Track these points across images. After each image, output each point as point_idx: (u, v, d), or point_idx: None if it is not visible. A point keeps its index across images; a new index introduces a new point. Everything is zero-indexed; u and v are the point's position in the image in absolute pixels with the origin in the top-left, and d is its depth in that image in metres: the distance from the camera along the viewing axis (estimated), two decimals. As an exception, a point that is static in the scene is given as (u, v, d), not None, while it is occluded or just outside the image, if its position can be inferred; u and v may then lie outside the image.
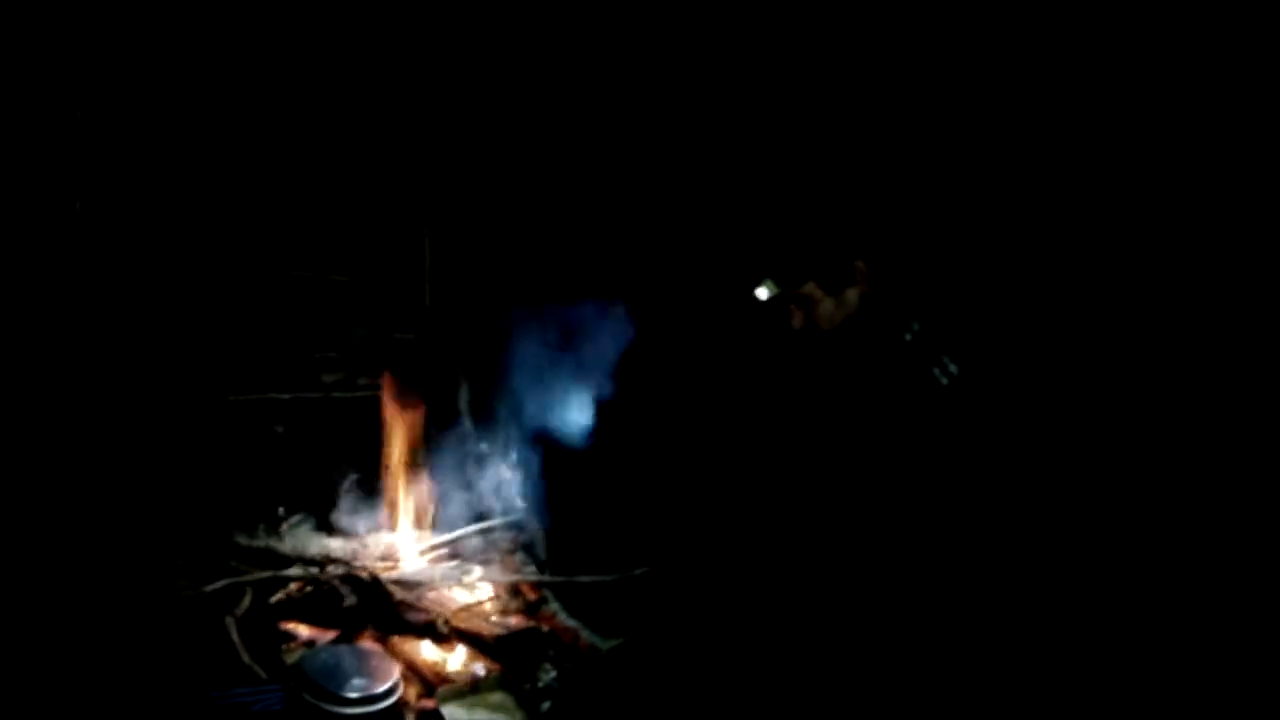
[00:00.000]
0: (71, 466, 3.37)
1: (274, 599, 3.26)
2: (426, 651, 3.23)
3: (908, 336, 2.65)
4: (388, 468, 3.75)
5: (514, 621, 3.34)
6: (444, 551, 3.65)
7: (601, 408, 3.75)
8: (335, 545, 3.56)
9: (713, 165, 3.88)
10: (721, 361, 3.69)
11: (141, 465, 3.53)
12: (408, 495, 3.74)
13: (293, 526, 3.63)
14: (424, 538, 3.67)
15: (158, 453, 3.59)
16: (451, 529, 3.71)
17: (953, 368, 2.61)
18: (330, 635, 3.20)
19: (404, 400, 3.76)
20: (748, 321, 2.99)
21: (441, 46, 4.00)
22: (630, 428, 3.76)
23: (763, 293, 2.75)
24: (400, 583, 3.42)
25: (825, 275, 2.69)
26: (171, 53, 3.66)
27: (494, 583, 3.52)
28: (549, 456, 3.78)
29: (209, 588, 3.19)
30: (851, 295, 2.69)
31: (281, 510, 3.65)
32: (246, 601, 3.19)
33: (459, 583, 3.50)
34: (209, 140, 3.77)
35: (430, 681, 3.08)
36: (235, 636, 3.03)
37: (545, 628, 3.31)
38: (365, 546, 3.57)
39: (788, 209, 3.34)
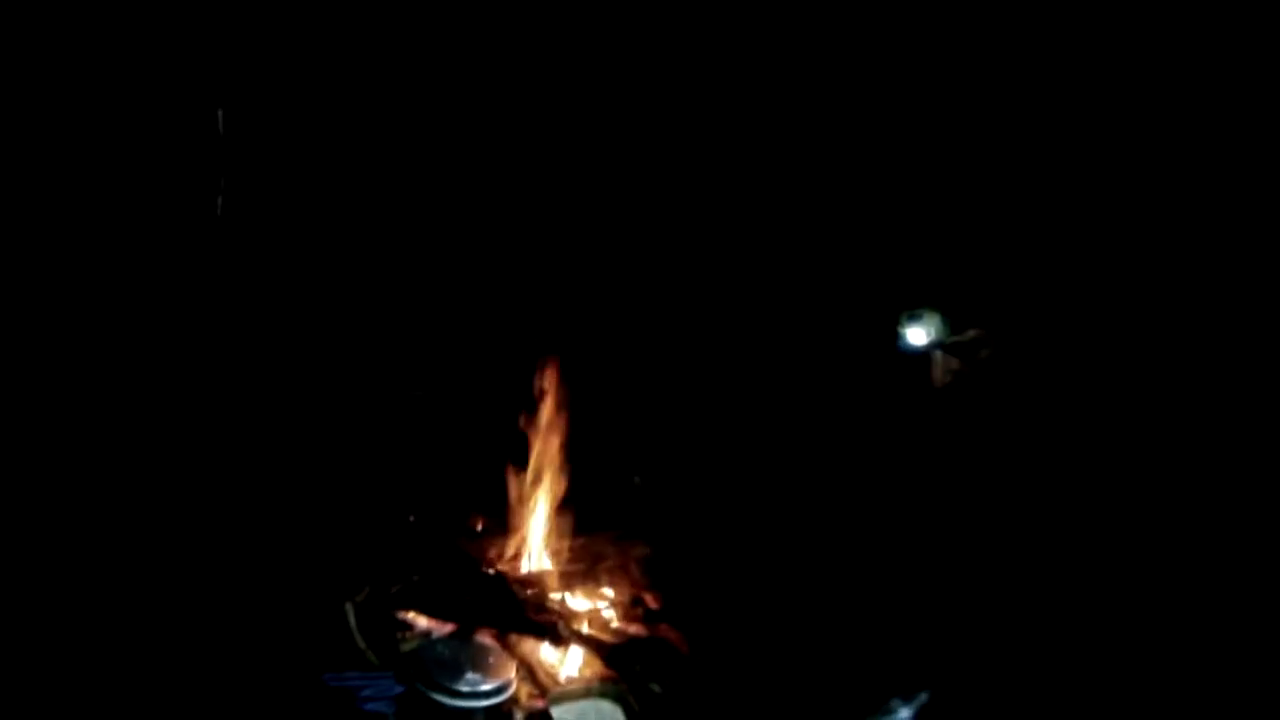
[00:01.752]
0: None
1: (395, 588, 3.25)
2: (544, 652, 3.18)
3: None
4: (525, 467, 3.73)
5: (633, 630, 3.27)
6: (570, 556, 3.58)
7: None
8: (463, 542, 3.54)
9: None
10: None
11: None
12: (540, 498, 3.71)
13: (421, 519, 3.62)
14: (552, 540, 3.62)
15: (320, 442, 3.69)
16: (581, 533, 3.65)
17: None
18: (448, 628, 3.18)
19: (553, 402, 3.74)
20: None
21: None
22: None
23: (920, 335, 2.54)
24: (524, 582, 3.39)
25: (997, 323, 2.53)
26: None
27: (618, 590, 3.45)
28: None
29: (333, 572, 3.21)
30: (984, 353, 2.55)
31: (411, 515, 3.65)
32: (367, 590, 3.20)
33: (582, 588, 3.44)
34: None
35: (543, 683, 3.03)
36: (352, 621, 3.04)
37: (661, 638, 3.22)
38: (492, 545, 3.55)
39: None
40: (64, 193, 3.50)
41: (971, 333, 2.68)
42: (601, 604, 3.40)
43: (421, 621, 3.20)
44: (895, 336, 2.91)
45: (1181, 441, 2.77)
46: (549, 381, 3.68)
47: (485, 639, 3.14)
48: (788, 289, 3.85)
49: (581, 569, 3.52)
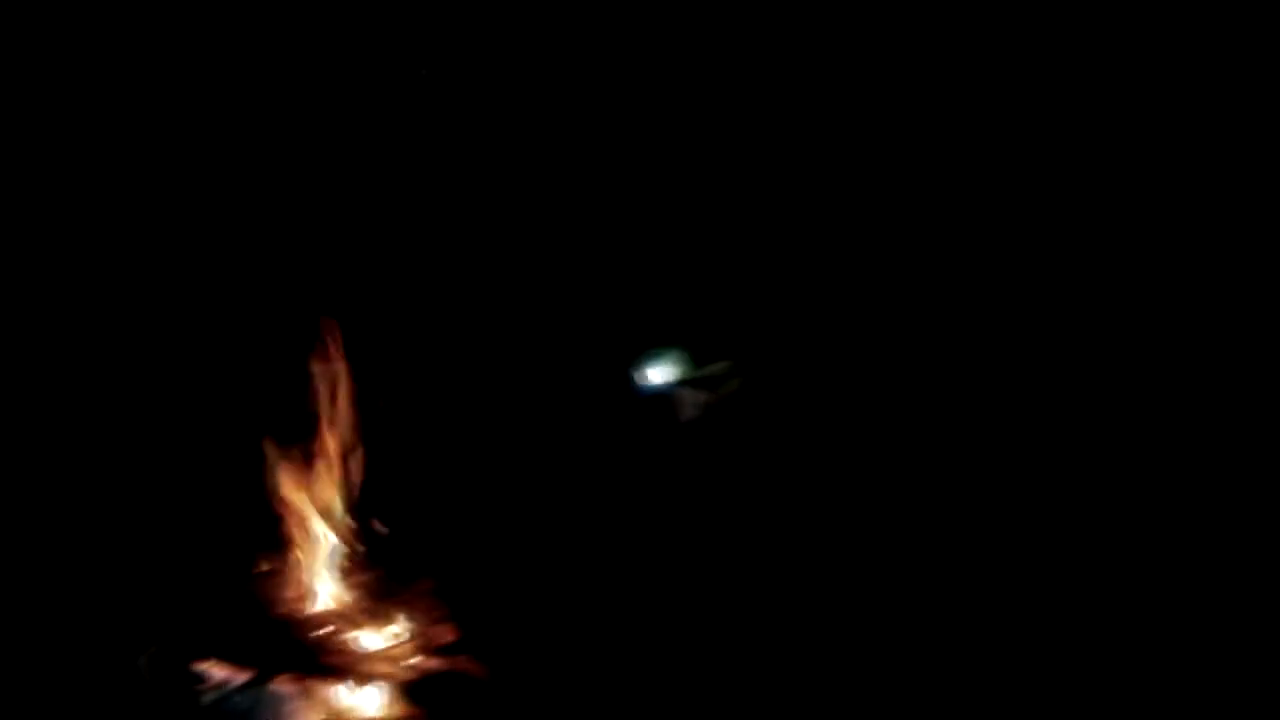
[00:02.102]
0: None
1: (187, 639, 3.16)
2: (343, 695, 3.17)
3: None
4: (300, 503, 3.67)
5: (428, 664, 3.31)
6: (359, 593, 3.57)
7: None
8: (250, 584, 3.46)
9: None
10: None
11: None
12: (323, 531, 3.66)
13: (206, 564, 3.52)
14: (339, 575, 3.59)
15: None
16: (366, 570, 3.64)
17: None
18: (245, 677, 3.12)
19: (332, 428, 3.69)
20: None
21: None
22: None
23: (660, 374, 2.59)
24: (314, 622, 3.35)
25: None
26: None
27: (411, 624, 3.47)
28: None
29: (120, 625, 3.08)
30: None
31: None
32: (159, 642, 3.09)
33: (373, 625, 3.43)
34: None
35: (349, 726, 3.03)
36: (146, 675, 2.94)
37: (458, 670, 3.28)
38: (279, 585, 3.48)
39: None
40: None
41: (718, 365, 2.78)
42: (396, 640, 3.41)
43: (218, 671, 3.12)
44: (634, 377, 2.98)
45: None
46: (326, 406, 3.65)
47: (283, 686, 3.10)
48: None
49: (372, 605, 3.51)
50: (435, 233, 4.02)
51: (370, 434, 3.70)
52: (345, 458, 3.65)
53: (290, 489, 3.63)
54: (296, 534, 3.64)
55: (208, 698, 2.99)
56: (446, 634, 3.44)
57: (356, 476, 3.67)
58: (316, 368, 3.68)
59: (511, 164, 3.94)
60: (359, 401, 3.68)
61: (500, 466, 3.83)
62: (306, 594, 3.48)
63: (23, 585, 3.11)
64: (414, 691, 3.18)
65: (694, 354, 3.14)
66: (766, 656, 2.97)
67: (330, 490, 3.66)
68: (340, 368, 3.68)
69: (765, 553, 3.19)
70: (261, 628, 3.29)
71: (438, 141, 3.97)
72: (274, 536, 3.63)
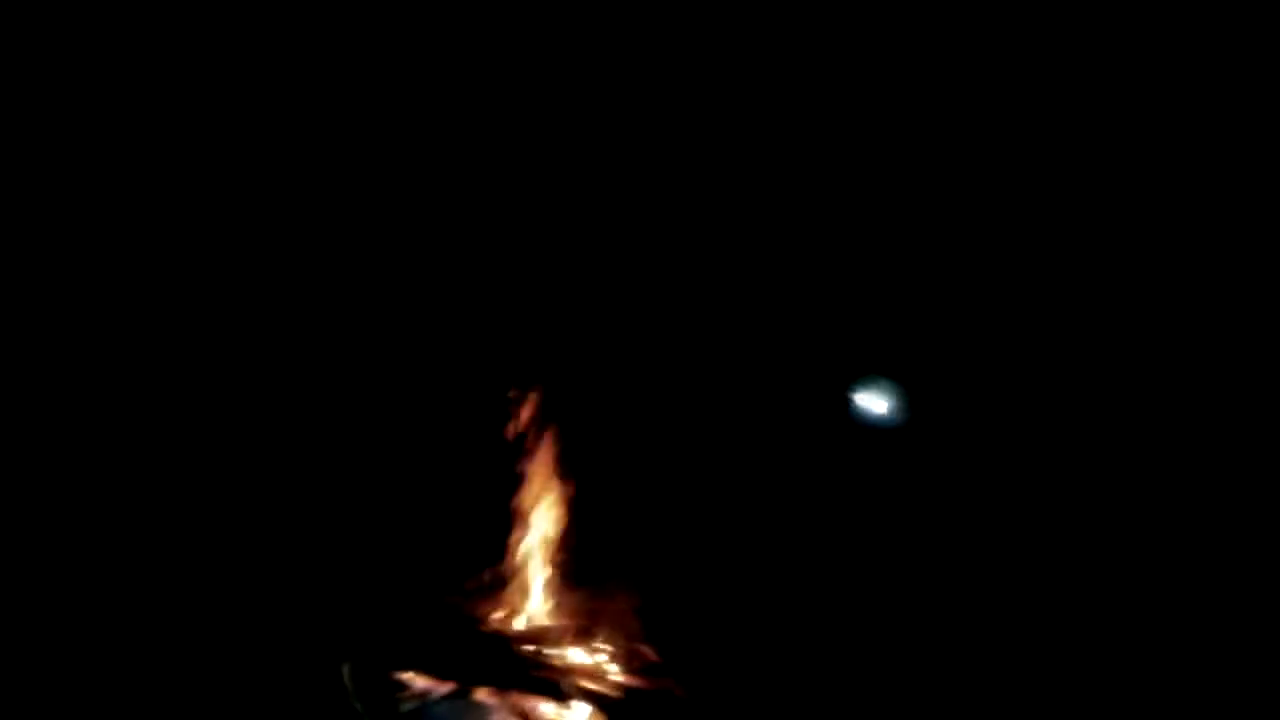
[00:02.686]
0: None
1: (394, 649, 3.21)
2: (545, 710, 3.13)
3: None
4: (520, 522, 3.70)
5: (631, 683, 3.23)
6: (567, 609, 3.54)
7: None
8: (460, 600, 3.50)
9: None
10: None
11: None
12: (536, 553, 3.68)
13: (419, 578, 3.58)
14: (549, 594, 3.58)
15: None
16: (577, 587, 3.61)
17: None
18: (447, 688, 3.13)
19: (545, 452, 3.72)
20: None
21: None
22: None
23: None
24: (522, 638, 3.35)
25: None
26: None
27: (616, 642, 3.41)
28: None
29: (331, 632, 3.17)
30: None
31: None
32: (367, 650, 3.15)
33: (581, 643, 3.39)
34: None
35: (547, 740, 2.99)
36: (349, 683, 2.99)
37: (660, 690, 3.19)
38: (489, 599, 3.50)
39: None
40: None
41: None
42: (600, 657, 3.36)
43: (419, 682, 3.14)
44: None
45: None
46: (541, 430, 3.68)
47: (485, 698, 3.09)
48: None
49: (579, 623, 3.48)
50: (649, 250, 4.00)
51: (579, 460, 3.72)
52: (557, 483, 3.68)
53: (509, 511, 3.69)
54: (509, 553, 3.67)
55: (408, 706, 3.01)
56: (649, 653, 3.37)
57: (567, 501, 3.69)
58: (527, 396, 3.73)
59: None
60: (569, 429, 3.70)
61: (706, 491, 3.74)
62: (515, 612, 3.49)
63: (238, 590, 3.23)
64: (615, 708, 3.10)
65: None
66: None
67: (542, 513, 3.69)
68: (547, 396, 3.72)
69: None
70: (469, 641, 3.30)
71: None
72: (488, 555, 3.68)
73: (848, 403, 3.44)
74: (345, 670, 3.04)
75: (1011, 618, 2.78)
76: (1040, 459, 2.96)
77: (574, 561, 3.65)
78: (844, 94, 3.62)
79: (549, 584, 3.57)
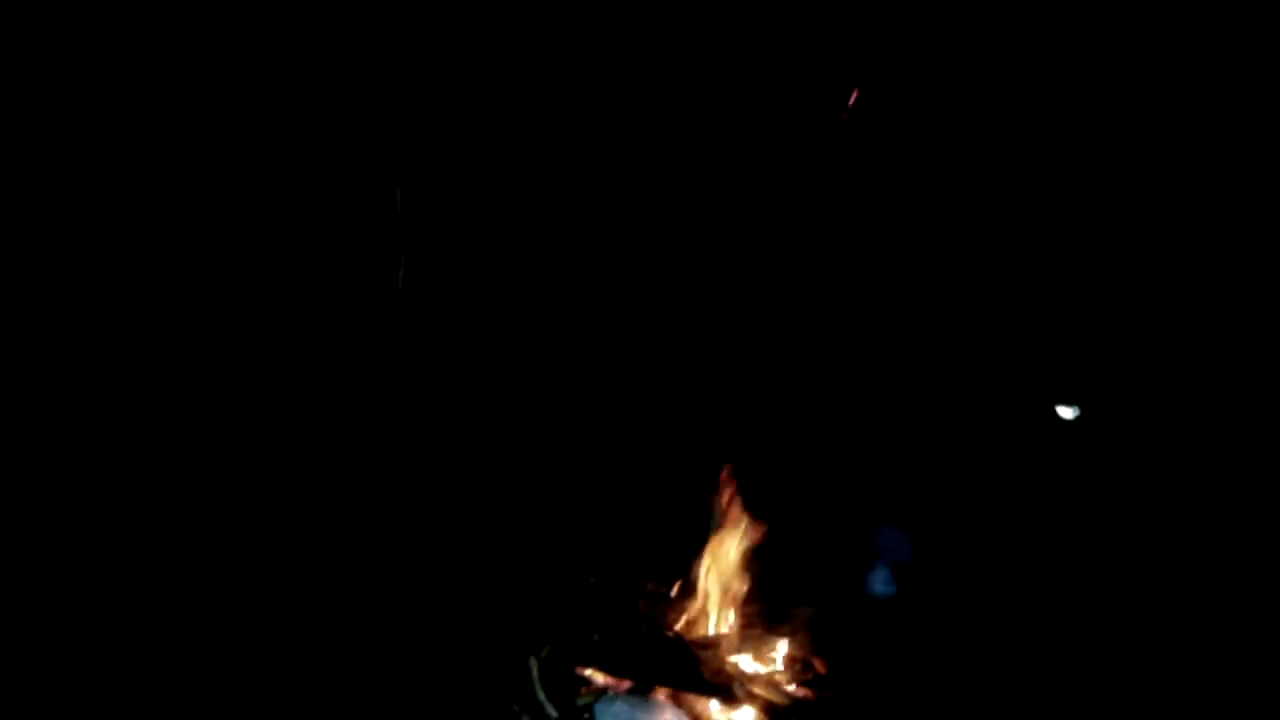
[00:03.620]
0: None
1: (576, 646, 3.45)
2: (717, 712, 3.30)
3: None
4: (709, 534, 3.87)
5: (801, 692, 3.36)
6: (745, 619, 3.70)
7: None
8: (643, 603, 3.72)
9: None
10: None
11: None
12: (719, 561, 3.84)
13: (603, 580, 3.82)
14: (730, 603, 3.75)
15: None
16: (759, 596, 3.76)
17: None
18: (626, 685, 3.35)
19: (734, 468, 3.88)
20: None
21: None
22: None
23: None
24: (701, 644, 3.53)
25: None
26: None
27: (790, 652, 3.55)
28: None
29: (517, 628, 3.45)
30: None
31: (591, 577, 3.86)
32: (550, 646, 3.41)
33: (755, 650, 3.55)
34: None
35: (716, 741, 3.16)
36: (535, 675, 3.25)
37: (830, 701, 3.30)
38: (672, 606, 3.71)
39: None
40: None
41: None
42: (773, 666, 3.50)
43: (600, 678, 3.38)
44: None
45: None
46: (732, 449, 3.85)
47: (661, 697, 3.29)
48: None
49: (757, 632, 3.63)
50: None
51: (765, 482, 3.87)
52: (743, 504, 3.83)
53: (697, 525, 3.87)
54: (694, 565, 3.86)
55: (587, 700, 3.24)
56: (820, 665, 3.49)
57: (752, 520, 3.84)
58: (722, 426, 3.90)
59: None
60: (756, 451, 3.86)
61: (880, 507, 3.83)
62: (695, 619, 3.68)
63: (443, 586, 3.55)
64: (783, 716, 3.24)
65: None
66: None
67: (728, 530, 3.85)
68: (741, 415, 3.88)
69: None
70: (650, 644, 3.50)
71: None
72: (674, 565, 3.89)
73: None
74: (533, 663, 3.30)
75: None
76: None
77: (754, 574, 3.81)
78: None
79: (729, 595, 3.74)
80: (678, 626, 3.61)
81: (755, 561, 3.81)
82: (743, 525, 3.81)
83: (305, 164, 3.93)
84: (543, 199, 4.10)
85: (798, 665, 3.50)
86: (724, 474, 3.84)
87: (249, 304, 3.92)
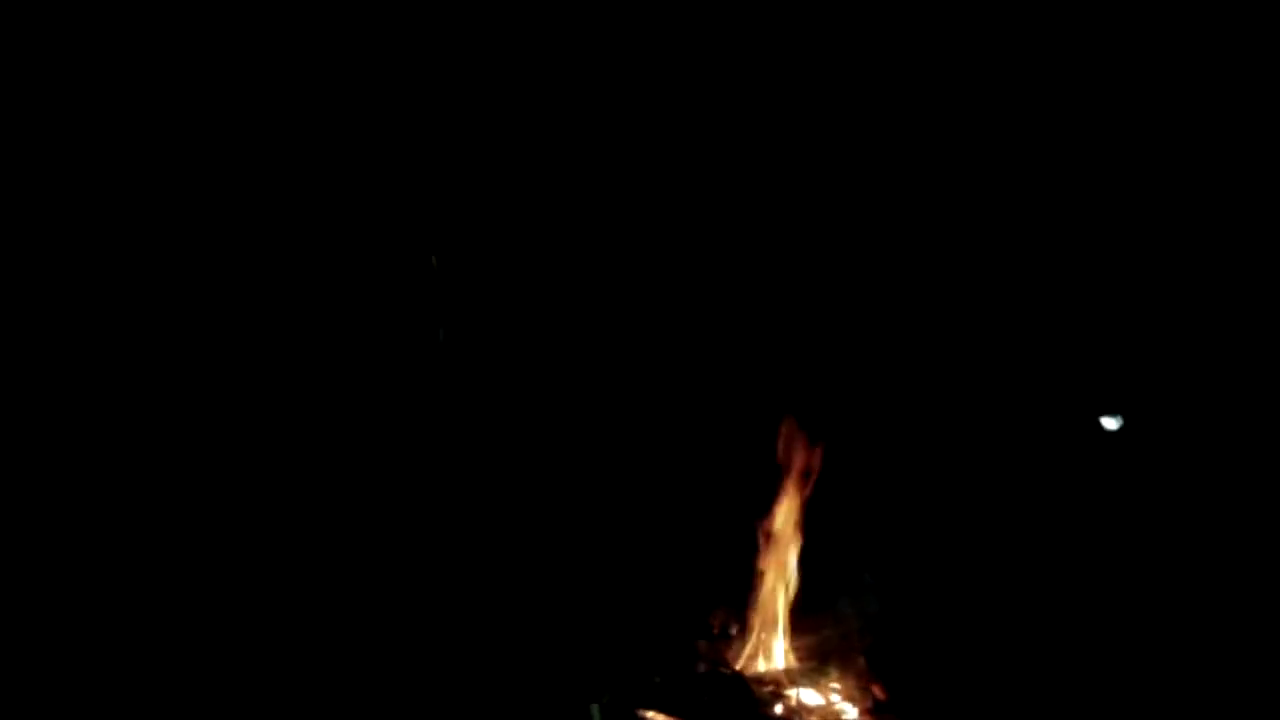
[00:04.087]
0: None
1: (637, 689, 3.53)
2: (779, 747, 3.36)
3: None
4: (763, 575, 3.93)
5: (866, 721, 3.42)
6: (802, 654, 3.75)
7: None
8: (702, 643, 3.79)
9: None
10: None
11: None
12: (776, 601, 3.90)
13: (662, 622, 3.89)
14: (787, 638, 3.80)
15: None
16: (812, 630, 3.81)
17: None
18: (687, 725, 3.42)
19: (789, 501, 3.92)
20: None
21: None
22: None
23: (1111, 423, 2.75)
24: (760, 680, 3.59)
25: None
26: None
27: (846, 683, 3.59)
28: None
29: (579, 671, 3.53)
30: None
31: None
32: (612, 689, 3.48)
33: (814, 684, 3.60)
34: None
35: (777, 777, 3.21)
36: (596, 718, 3.33)
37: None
38: (730, 645, 3.77)
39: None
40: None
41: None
42: (833, 698, 3.55)
43: None
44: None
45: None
46: (787, 482, 3.89)
47: (722, 735, 3.35)
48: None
49: (813, 665, 3.68)
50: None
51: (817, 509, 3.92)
52: (797, 535, 3.88)
53: (759, 560, 3.93)
54: (751, 601, 3.92)
55: (650, 743, 3.32)
56: (879, 693, 3.53)
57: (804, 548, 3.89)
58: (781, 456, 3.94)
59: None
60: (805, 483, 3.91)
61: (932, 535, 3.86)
62: (755, 655, 3.74)
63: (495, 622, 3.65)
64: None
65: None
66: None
67: (783, 561, 3.91)
68: (800, 456, 3.93)
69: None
70: (710, 683, 3.57)
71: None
72: (731, 601, 3.95)
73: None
74: (594, 710, 3.38)
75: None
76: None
77: (809, 607, 3.87)
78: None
79: (786, 629, 3.80)
80: (737, 664, 3.66)
81: (810, 594, 3.88)
82: (790, 555, 3.87)
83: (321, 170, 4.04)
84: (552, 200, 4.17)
85: (857, 695, 3.54)
86: (781, 511, 3.90)
87: (268, 306, 4.02)
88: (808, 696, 3.55)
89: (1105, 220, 3.48)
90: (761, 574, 3.86)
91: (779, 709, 3.48)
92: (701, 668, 3.63)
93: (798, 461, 3.89)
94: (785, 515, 3.86)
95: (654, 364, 4.28)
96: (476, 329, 4.10)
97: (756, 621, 3.83)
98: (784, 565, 3.87)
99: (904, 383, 4.02)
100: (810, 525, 3.86)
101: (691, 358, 4.28)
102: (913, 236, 3.92)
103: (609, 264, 4.21)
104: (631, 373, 4.26)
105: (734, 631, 3.81)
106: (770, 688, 3.57)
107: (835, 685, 3.59)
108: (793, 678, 3.61)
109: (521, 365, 4.17)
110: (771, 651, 3.74)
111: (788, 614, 3.77)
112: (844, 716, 3.47)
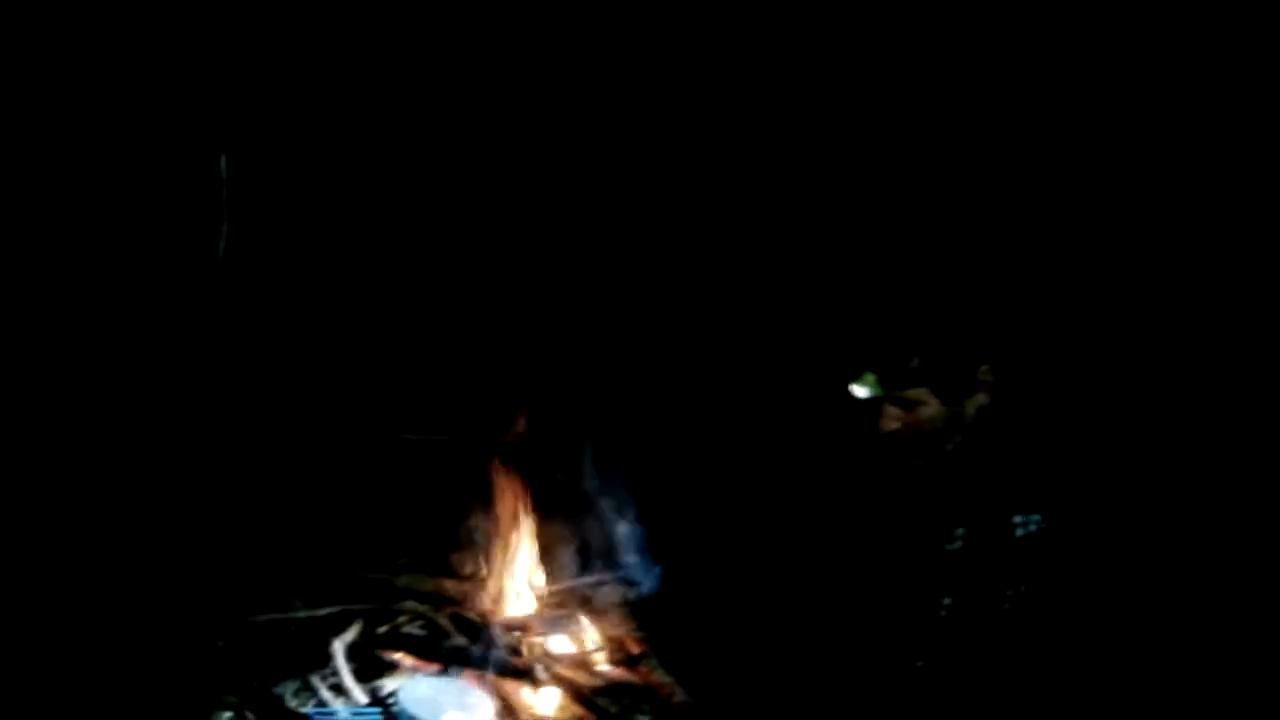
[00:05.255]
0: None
1: (382, 630, 3.35)
2: (524, 695, 3.27)
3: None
4: (502, 516, 3.81)
5: (612, 673, 3.37)
6: (552, 600, 3.68)
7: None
8: (448, 585, 3.65)
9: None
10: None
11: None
12: (520, 543, 3.80)
13: (408, 564, 3.72)
14: (534, 586, 3.72)
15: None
16: (561, 580, 3.75)
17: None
18: (433, 669, 3.28)
19: (519, 454, 3.83)
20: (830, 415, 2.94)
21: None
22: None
23: (861, 390, 2.37)
24: (506, 626, 3.48)
25: (942, 380, 2.32)
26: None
27: (597, 634, 3.54)
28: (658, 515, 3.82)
29: (322, 612, 3.31)
30: (970, 408, 2.32)
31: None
32: (356, 629, 3.30)
33: (564, 632, 3.53)
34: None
35: (522, 723, 3.12)
36: (340, 658, 3.13)
37: (641, 682, 3.32)
38: (476, 589, 3.64)
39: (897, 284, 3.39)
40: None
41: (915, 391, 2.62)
42: (583, 647, 3.49)
43: (407, 661, 3.29)
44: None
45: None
46: (520, 422, 3.79)
47: (467, 679, 3.23)
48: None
49: (564, 613, 3.62)
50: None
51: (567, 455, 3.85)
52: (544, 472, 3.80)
53: (498, 503, 3.80)
54: (499, 543, 3.81)
55: (393, 684, 3.15)
56: (633, 646, 3.50)
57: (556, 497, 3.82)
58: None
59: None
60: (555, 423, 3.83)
61: (698, 481, 3.86)
62: (502, 600, 3.63)
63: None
64: (590, 697, 3.24)
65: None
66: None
67: (531, 509, 3.80)
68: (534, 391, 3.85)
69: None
70: (456, 626, 3.44)
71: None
72: (478, 544, 3.82)
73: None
74: (337, 647, 3.18)
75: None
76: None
77: (560, 553, 3.80)
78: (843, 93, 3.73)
79: (535, 575, 3.72)
80: (484, 608, 3.54)
81: (562, 542, 3.81)
82: (545, 509, 3.79)
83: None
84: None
85: (608, 645, 3.50)
86: (516, 448, 3.79)
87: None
88: (556, 644, 3.48)
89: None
90: (510, 522, 3.76)
91: (524, 655, 3.38)
92: (448, 611, 3.49)
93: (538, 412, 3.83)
94: (521, 458, 3.78)
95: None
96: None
97: (502, 566, 3.72)
98: (525, 507, 3.79)
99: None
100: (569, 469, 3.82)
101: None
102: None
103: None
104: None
105: (481, 578, 3.69)
106: (517, 633, 3.47)
107: (585, 635, 3.54)
108: (543, 625, 3.53)
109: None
110: (519, 599, 3.64)
111: (536, 559, 3.68)
112: (593, 667, 3.41)
